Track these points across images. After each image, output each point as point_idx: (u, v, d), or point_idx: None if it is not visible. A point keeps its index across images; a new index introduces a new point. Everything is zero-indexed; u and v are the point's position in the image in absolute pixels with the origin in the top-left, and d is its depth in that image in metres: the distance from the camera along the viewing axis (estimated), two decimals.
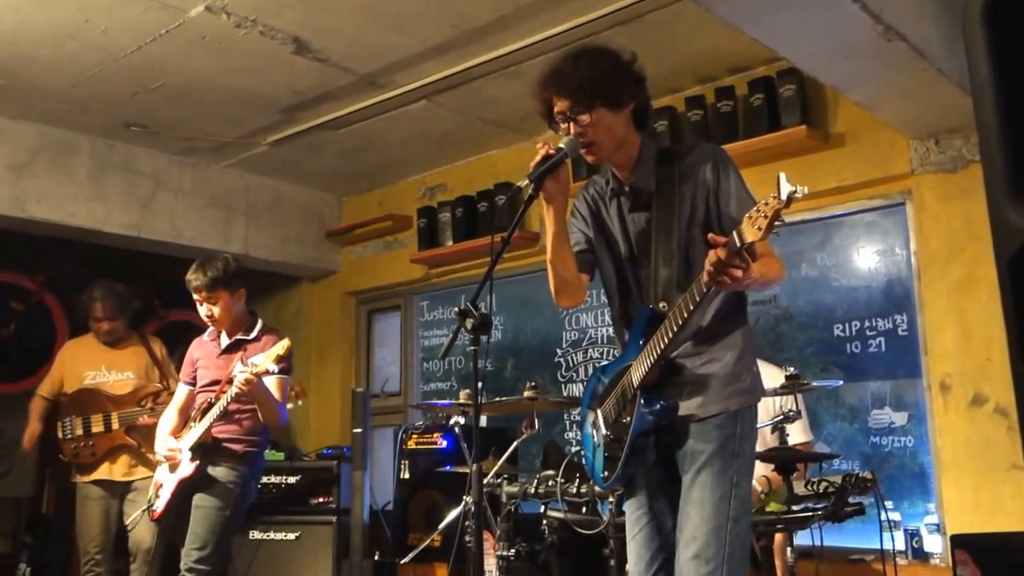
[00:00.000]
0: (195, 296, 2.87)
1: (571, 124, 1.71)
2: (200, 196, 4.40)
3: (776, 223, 1.38)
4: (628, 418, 1.71)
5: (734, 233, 1.45)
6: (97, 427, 3.43)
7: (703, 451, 1.65)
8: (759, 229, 1.39)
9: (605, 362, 1.90)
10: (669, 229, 1.70)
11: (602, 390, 1.81)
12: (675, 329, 1.60)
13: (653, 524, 1.73)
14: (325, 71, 3.38)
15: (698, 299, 1.56)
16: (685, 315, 1.58)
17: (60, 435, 3.48)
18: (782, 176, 1.37)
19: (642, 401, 1.67)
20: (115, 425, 3.44)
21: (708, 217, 1.68)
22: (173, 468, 2.86)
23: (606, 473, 1.77)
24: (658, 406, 1.66)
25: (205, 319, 2.89)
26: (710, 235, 1.51)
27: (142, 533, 3.34)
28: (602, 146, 1.73)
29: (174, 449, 2.84)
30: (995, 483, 2.80)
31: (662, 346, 1.63)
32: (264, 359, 2.63)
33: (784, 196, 1.35)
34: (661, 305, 1.67)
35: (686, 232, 1.69)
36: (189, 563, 2.69)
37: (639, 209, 1.77)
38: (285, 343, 2.70)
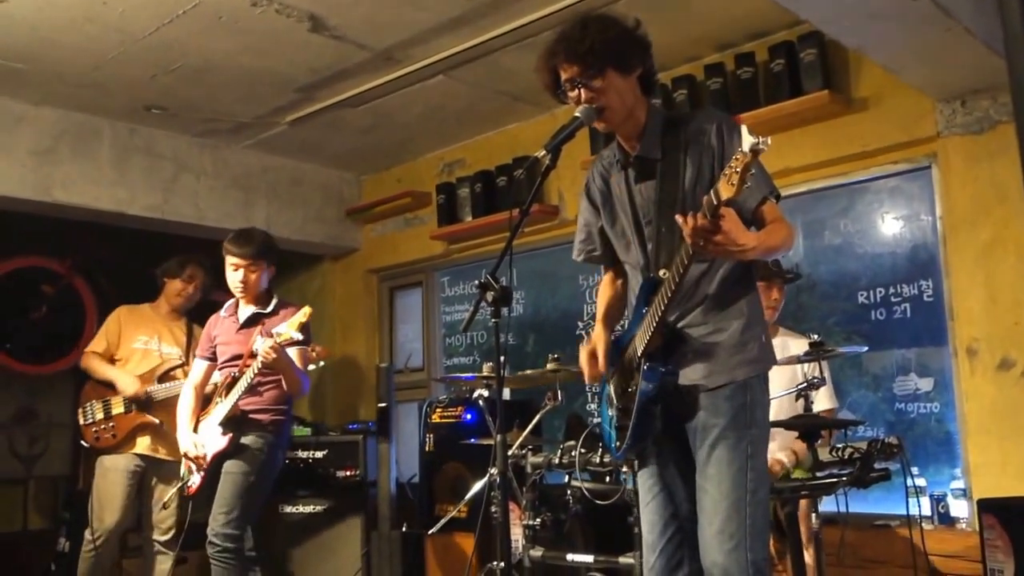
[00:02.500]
0: (237, 261, 2.91)
1: (581, 90, 1.70)
2: (221, 177, 4.44)
3: (748, 175, 1.38)
4: (633, 387, 1.72)
5: (711, 191, 1.46)
6: (117, 408, 3.40)
7: (715, 425, 1.65)
8: (732, 185, 1.40)
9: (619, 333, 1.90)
10: (673, 197, 1.70)
11: (614, 362, 1.83)
12: (669, 295, 1.61)
13: (665, 493, 1.74)
14: (341, 48, 3.37)
15: (682, 267, 1.56)
16: (676, 280, 1.59)
17: (82, 421, 3.43)
18: (743, 128, 1.38)
19: (645, 368, 1.68)
20: (135, 406, 3.40)
21: (712, 184, 1.66)
22: (199, 466, 2.91)
23: (618, 443, 1.79)
24: (659, 373, 1.67)
25: (237, 286, 2.92)
26: (677, 216, 1.52)
27: (165, 513, 3.37)
28: (614, 111, 1.72)
29: (199, 456, 2.88)
30: (1022, 447, 2.78)
31: (660, 313, 1.64)
32: (288, 328, 2.68)
33: (747, 148, 1.35)
34: (662, 273, 1.67)
35: (691, 199, 1.68)
36: (216, 527, 2.76)
37: (645, 178, 1.77)
38: (307, 310, 2.73)
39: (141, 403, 3.39)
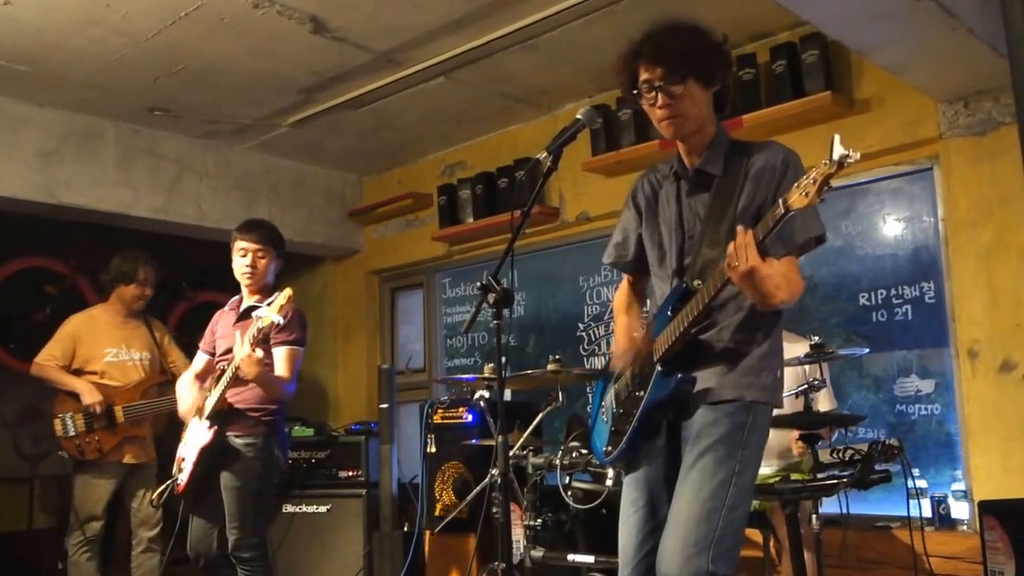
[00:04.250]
0: (245, 246, 2.87)
1: (659, 94, 1.67)
2: (224, 179, 4.45)
3: (825, 189, 1.34)
4: (641, 392, 1.70)
5: (779, 201, 1.43)
6: (100, 422, 3.36)
7: (710, 434, 1.63)
8: (806, 196, 1.36)
9: None
10: (723, 214, 1.67)
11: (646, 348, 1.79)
12: (700, 307, 1.59)
13: (649, 508, 1.70)
14: (343, 50, 3.38)
15: (720, 282, 1.55)
16: (712, 293, 1.57)
17: (60, 432, 3.36)
18: (836, 138, 1.32)
19: (659, 372, 1.67)
20: (120, 418, 3.40)
21: (763, 209, 1.63)
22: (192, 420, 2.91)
23: (609, 447, 1.77)
24: (676, 380, 1.65)
25: (245, 271, 2.88)
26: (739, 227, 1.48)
27: (151, 509, 3.38)
28: (687, 120, 1.69)
29: (192, 405, 2.89)
30: (1023, 449, 2.78)
31: (688, 322, 1.62)
32: (269, 311, 2.58)
33: (836, 158, 1.30)
34: (696, 283, 1.65)
35: (740, 219, 1.64)
36: (233, 541, 2.76)
37: (698, 192, 1.74)
38: (287, 292, 2.62)
39: (103, 416, 3.37)
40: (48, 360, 3.48)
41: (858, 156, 1.31)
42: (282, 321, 2.60)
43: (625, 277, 1.96)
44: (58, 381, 3.45)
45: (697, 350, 1.67)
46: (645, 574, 1.67)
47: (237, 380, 2.77)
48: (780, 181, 1.64)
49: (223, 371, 2.82)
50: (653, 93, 1.68)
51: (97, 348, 3.49)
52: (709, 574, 1.53)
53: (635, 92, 1.71)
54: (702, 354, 1.67)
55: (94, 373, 3.47)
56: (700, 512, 1.56)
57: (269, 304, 2.74)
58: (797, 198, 1.38)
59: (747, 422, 1.64)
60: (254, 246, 2.90)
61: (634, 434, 1.69)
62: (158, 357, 3.65)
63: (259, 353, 2.65)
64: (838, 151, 1.30)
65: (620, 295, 1.96)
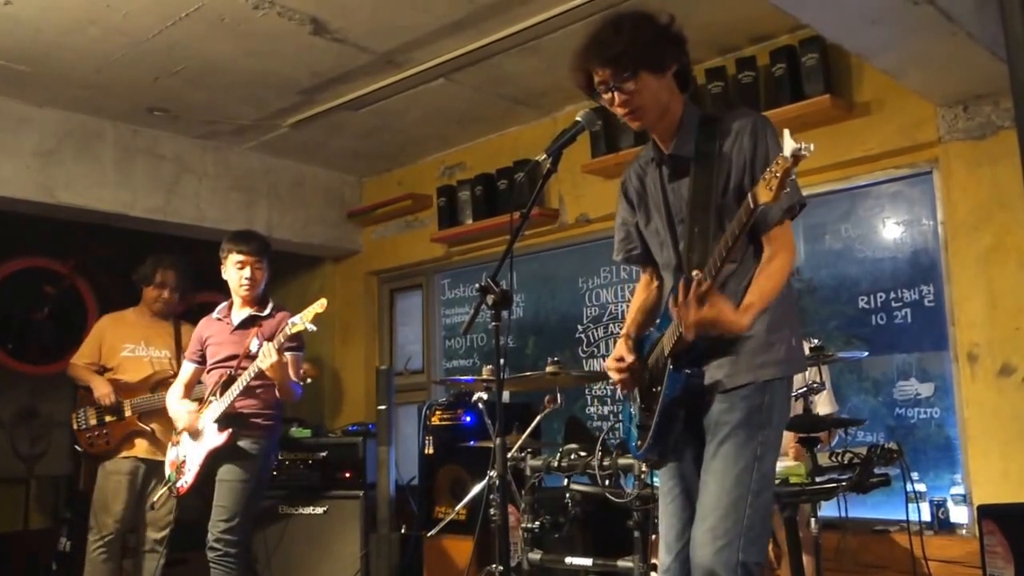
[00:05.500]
0: (244, 259, 2.93)
1: (614, 93, 1.69)
2: (223, 179, 4.45)
3: (788, 181, 1.37)
4: (658, 387, 1.71)
5: (749, 195, 1.45)
6: (110, 416, 3.44)
7: (728, 422, 1.63)
8: (771, 190, 1.39)
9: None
10: (707, 197, 1.67)
11: (639, 363, 1.82)
12: None
13: (685, 495, 1.72)
14: (343, 51, 3.38)
15: (715, 270, 1.55)
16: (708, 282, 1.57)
17: (75, 426, 3.48)
18: (786, 133, 1.36)
19: (670, 369, 1.67)
20: (127, 412, 3.45)
21: (742, 186, 1.65)
22: (195, 436, 2.92)
23: (639, 443, 1.79)
24: (684, 375, 1.66)
25: (244, 283, 2.94)
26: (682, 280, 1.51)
27: (162, 512, 3.40)
28: (647, 112, 1.70)
29: (193, 411, 2.93)
30: (1023, 453, 2.77)
31: None
32: (302, 319, 2.70)
33: (788, 154, 1.34)
34: (694, 274, 1.64)
35: (721, 200, 1.66)
36: (216, 533, 2.78)
37: (678, 177, 1.75)
38: (323, 301, 2.76)
39: (112, 410, 3.43)
40: (78, 359, 3.57)
41: (812, 147, 1.33)
42: (314, 329, 2.71)
43: (642, 274, 1.96)
44: (81, 378, 3.53)
45: (705, 340, 1.66)
46: (687, 561, 1.68)
47: (248, 390, 2.80)
48: (754, 156, 1.65)
49: (230, 377, 2.85)
50: (610, 94, 1.69)
51: (117, 344, 3.55)
52: (740, 564, 1.55)
53: (594, 93, 1.73)
54: (711, 343, 1.67)
55: (111, 369, 3.53)
56: (727, 502, 1.58)
57: (270, 315, 2.87)
58: (764, 192, 1.40)
59: (763, 403, 1.64)
60: (252, 258, 2.95)
61: (658, 428, 1.70)
62: (177, 356, 3.66)
63: (284, 358, 2.77)
64: (789, 145, 1.33)
65: (633, 304, 1.96)
